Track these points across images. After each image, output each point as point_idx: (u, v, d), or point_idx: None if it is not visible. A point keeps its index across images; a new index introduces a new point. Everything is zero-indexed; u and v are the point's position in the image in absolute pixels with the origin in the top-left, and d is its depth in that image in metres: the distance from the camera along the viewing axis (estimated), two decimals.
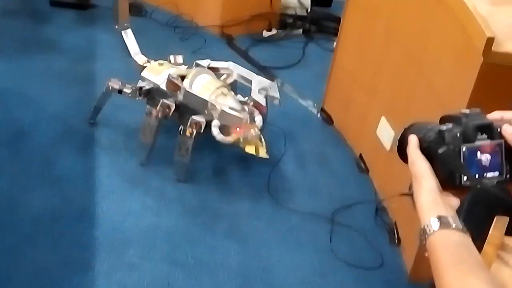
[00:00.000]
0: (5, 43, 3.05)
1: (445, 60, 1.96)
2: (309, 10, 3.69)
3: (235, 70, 2.52)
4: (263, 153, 2.27)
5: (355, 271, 2.10)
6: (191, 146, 2.26)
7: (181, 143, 2.27)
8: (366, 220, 2.32)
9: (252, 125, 2.24)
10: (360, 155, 2.62)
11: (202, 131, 2.23)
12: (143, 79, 2.40)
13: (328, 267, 2.10)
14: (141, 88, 2.37)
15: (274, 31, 3.56)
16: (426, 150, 0.92)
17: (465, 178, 0.86)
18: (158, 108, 2.29)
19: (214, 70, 2.48)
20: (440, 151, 0.88)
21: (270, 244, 2.16)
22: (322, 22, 3.69)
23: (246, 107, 2.30)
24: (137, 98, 2.38)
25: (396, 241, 2.22)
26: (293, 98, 3.01)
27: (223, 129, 2.23)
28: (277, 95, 2.47)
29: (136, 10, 3.55)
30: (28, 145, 2.41)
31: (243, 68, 2.56)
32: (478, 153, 0.86)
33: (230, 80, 2.48)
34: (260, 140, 2.28)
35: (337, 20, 3.26)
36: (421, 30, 2.14)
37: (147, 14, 3.55)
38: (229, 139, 2.22)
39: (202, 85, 2.31)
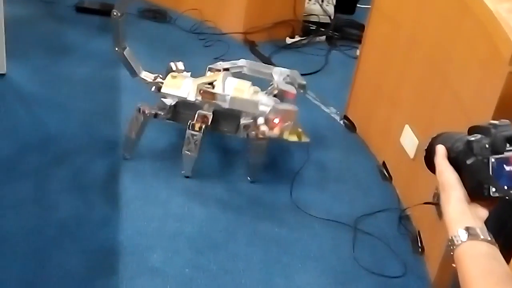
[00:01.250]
0: (31, 49, 3.10)
1: (470, 69, 1.95)
2: (332, 17, 3.69)
3: (250, 65, 2.56)
4: (305, 138, 2.47)
5: (377, 280, 2.10)
6: (200, 141, 2.29)
7: (190, 137, 2.29)
8: (389, 228, 2.31)
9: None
10: (383, 163, 2.61)
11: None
12: (166, 96, 2.35)
13: (351, 275, 2.10)
14: (170, 106, 2.34)
15: (297, 38, 3.57)
16: (454, 160, 0.92)
17: (493, 189, 0.86)
18: (196, 120, 2.29)
19: (226, 70, 2.51)
20: (469, 162, 0.88)
21: (293, 251, 2.16)
22: (345, 29, 3.69)
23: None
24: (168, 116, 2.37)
25: (420, 250, 2.21)
26: (316, 105, 3.01)
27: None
28: (303, 80, 2.53)
29: (160, 17, 3.59)
30: (55, 150, 2.44)
31: (257, 62, 2.59)
32: (507, 164, 0.86)
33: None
34: (298, 126, 2.41)
35: (360, 27, 3.26)
36: (445, 37, 2.13)
37: (171, 20, 3.59)
38: (276, 132, 2.29)
39: (234, 88, 2.35)
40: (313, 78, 3.21)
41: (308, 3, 3.66)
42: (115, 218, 2.16)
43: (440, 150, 0.94)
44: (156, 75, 2.42)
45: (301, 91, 2.53)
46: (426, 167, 1.03)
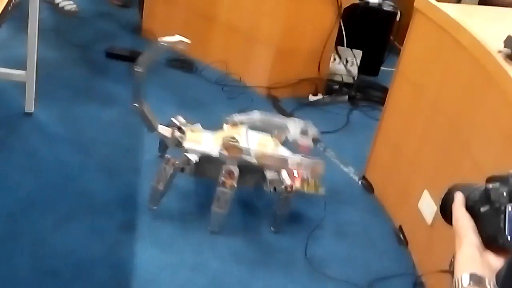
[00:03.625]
0: (60, 91, 3.17)
1: (492, 139, 1.95)
2: (355, 78, 3.74)
3: (264, 117, 2.62)
4: (321, 190, 2.50)
5: None
6: (230, 198, 2.29)
7: (220, 194, 2.29)
8: None
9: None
10: (400, 227, 2.59)
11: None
12: (189, 151, 2.37)
13: None
14: (196, 162, 2.34)
15: (320, 96, 3.61)
16: (471, 209, 0.92)
17: (509, 237, 0.85)
18: (224, 176, 2.29)
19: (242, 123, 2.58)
20: (484, 209, 0.87)
21: None
22: (368, 91, 3.72)
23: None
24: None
25: None
26: (335, 163, 3.02)
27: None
28: (316, 132, 2.62)
29: (187, 66, 3.66)
30: (74, 191, 2.47)
31: (270, 114, 2.70)
32: None
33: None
34: (315, 178, 2.47)
35: (383, 90, 3.30)
36: (468, 106, 2.15)
37: (197, 71, 3.65)
38: (297, 185, 2.38)
39: (258, 143, 2.41)
40: (333, 136, 3.24)
41: (332, 62, 3.71)
42: (129, 264, 2.16)
43: (458, 197, 0.93)
44: (173, 129, 2.45)
45: (315, 144, 2.61)
46: (442, 218, 1.01)
